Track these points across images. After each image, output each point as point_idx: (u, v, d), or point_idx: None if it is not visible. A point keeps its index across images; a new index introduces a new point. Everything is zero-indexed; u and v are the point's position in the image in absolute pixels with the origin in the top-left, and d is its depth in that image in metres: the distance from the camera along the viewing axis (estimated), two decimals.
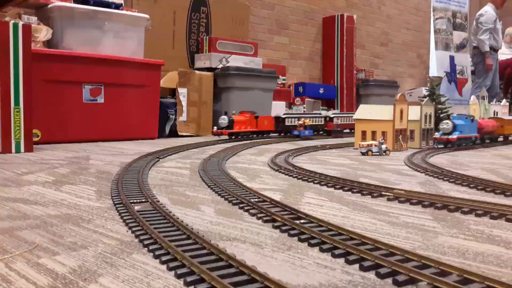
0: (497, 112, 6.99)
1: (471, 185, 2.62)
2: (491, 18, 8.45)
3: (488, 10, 8.51)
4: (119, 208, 1.96)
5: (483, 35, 8.38)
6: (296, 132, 5.93)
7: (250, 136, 5.76)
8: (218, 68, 6.68)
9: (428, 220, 1.89)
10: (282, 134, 6.27)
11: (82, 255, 1.41)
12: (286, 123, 6.18)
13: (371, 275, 1.27)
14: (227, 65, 6.71)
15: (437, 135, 4.78)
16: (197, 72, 6.46)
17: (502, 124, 5.88)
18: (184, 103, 6.20)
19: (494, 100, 7.37)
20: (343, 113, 7.40)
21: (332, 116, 7.09)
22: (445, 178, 2.87)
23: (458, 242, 1.58)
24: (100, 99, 5.26)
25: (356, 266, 1.33)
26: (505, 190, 2.41)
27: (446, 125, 4.76)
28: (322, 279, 1.24)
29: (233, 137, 5.47)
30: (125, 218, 1.81)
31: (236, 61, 6.84)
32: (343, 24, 9.09)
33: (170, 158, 3.80)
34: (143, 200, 2.12)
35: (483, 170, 3.35)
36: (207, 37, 6.92)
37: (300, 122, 6.05)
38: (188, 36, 6.92)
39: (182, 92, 6.20)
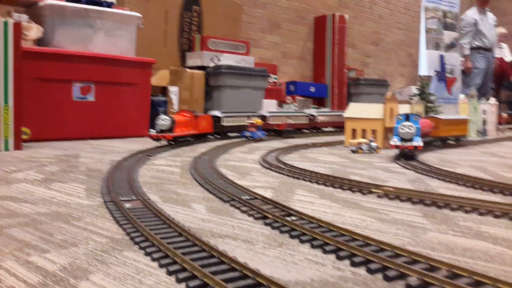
0: (485, 111, 7.06)
1: (460, 183, 2.65)
2: (470, 21, 8.59)
3: (468, 14, 8.66)
4: (109, 206, 1.96)
5: (463, 39, 8.55)
6: (248, 134, 5.23)
7: (189, 140, 4.90)
8: (210, 67, 6.67)
9: (417, 216, 1.91)
10: (219, 136, 5.50)
11: (73, 253, 1.40)
12: (224, 123, 5.50)
13: (361, 270, 1.28)
14: (219, 63, 6.71)
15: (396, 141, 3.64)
16: (188, 70, 6.45)
17: (437, 124, 4.81)
18: (175, 101, 6.19)
19: (484, 99, 7.44)
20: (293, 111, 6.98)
21: (316, 114, 6.81)
22: (434, 176, 2.89)
23: (447, 238, 1.60)
24: (91, 97, 5.23)
25: (347, 262, 1.34)
26: (492, 187, 2.44)
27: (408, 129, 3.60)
28: (313, 275, 1.25)
29: (172, 143, 4.52)
30: (115, 215, 1.81)
31: (228, 59, 6.83)
32: (334, 23, 9.12)
33: (160, 156, 3.79)
34: (134, 198, 2.11)
35: (472, 167, 3.39)
36: (199, 35, 6.90)
37: (252, 121, 5.36)
38: (180, 35, 6.90)
39: (173, 90, 6.19)
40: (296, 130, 6.45)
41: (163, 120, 4.34)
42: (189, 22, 7.03)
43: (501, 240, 1.56)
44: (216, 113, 5.54)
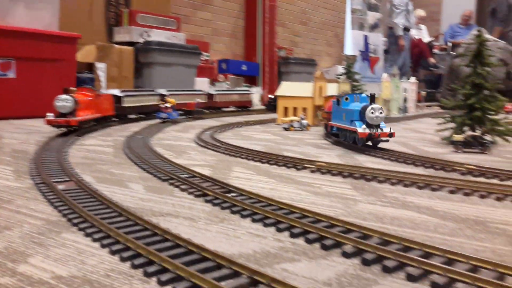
0: (406, 90, 7.49)
1: (385, 157, 2.82)
2: (404, 0, 8.91)
3: None
4: (41, 188, 1.88)
5: (398, 18, 8.83)
6: (163, 115, 4.72)
7: (93, 125, 4.07)
8: (139, 43, 6.47)
9: (348, 189, 2.02)
10: (120, 119, 4.79)
11: (7, 237, 1.35)
12: (124, 104, 4.74)
13: (300, 241, 1.35)
14: (149, 39, 6.51)
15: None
16: (116, 46, 6.21)
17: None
18: (102, 79, 5.95)
19: (405, 77, 7.87)
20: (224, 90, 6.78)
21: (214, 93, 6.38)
22: (360, 151, 3.06)
23: (376, 208, 1.72)
24: (11, 74, 4.89)
25: (287, 233, 1.41)
26: (415, 161, 2.63)
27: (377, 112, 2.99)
28: (255, 247, 1.30)
29: (76, 128, 3.62)
30: (49, 197, 1.75)
31: (158, 35, 6.65)
32: (265, 1, 9.15)
33: (90, 136, 3.66)
34: (67, 179, 2.04)
35: (395, 142, 3.60)
36: (127, 9, 6.64)
37: (165, 102, 4.88)
38: (107, 9, 6.60)
39: (101, 67, 5.94)
40: (200, 110, 5.80)
41: (64, 101, 3.51)
42: None
43: (424, 209, 1.70)
44: (116, 92, 4.75)
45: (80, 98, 3.67)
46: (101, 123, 4.26)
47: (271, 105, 7.12)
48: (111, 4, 6.65)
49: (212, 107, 6.24)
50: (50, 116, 3.50)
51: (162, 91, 5.55)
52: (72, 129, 3.58)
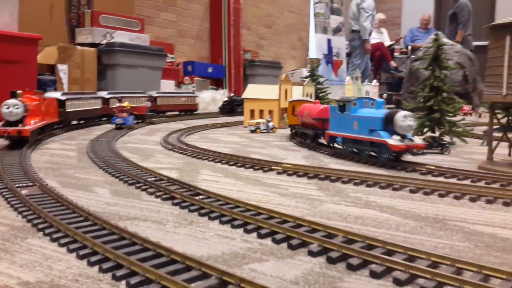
0: (368, 92, 7.67)
1: (348, 158, 2.89)
2: (372, 4, 9.08)
3: None
4: (4, 193, 1.84)
5: (366, 21, 8.95)
6: (119, 121, 4.29)
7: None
8: (102, 44, 6.36)
9: (313, 190, 2.07)
10: (63, 125, 4.29)
11: None
12: (67, 109, 4.25)
13: (268, 241, 1.38)
14: (112, 41, 6.41)
15: None
16: (78, 47, 6.08)
17: None
18: (65, 81, 5.82)
19: (367, 80, 8.06)
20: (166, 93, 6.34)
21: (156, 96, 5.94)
22: (325, 152, 3.12)
23: (341, 208, 1.77)
24: None
25: (254, 234, 1.44)
26: (376, 162, 2.71)
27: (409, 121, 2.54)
28: (224, 248, 1.32)
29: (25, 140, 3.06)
30: (12, 203, 1.71)
31: (121, 37, 6.56)
32: (230, 3, 9.17)
33: (53, 140, 3.59)
34: (30, 184, 2.00)
35: None
36: (89, 10, 6.52)
37: (120, 105, 4.42)
38: (68, 9, 6.45)
39: (63, 68, 5.81)
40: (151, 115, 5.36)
41: (14, 107, 2.99)
42: None
43: (386, 208, 1.77)
44: (57, 95, 4.19)
45: (29, 103, 3.16)
46: (44, 132, 3.63)
47: (225, 108, 6.89)
48: (72, 5, 6.51)
49: (154, 111, 5.73)
50: None
51: (104, 94, 5.19)
52: (20, 140, 3.01)
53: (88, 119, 4.82)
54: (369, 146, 2.73)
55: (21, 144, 2.98)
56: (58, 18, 6.37)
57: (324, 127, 3.17)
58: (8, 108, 3.00)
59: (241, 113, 6.78)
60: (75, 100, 4.42)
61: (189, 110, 6.67)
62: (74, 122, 4.62)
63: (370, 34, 9.34)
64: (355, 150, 2.89)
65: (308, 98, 4.62)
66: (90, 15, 6.47)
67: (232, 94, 7.73)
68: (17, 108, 3.02)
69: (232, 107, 6.94)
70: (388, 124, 2.56)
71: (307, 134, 3.50)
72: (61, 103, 4.13)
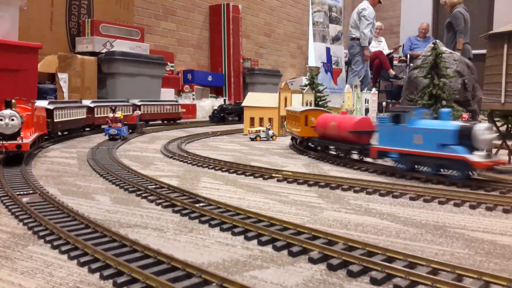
0: (368, 100, 7.70)
1: (348, 165, 2.90)
2: (372, 13, 9.12)
3: (369, 6, 9.13)
4: (5, 201, 1.84)
5: (367, 29, 8.99)
6: (113, 131, 4.04)
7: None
8: (102, 53, 6.39)
9: (313, 197, 2.07)
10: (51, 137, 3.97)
11: None
12: (55, 119, 3.92)
13: (268, 248, 1.38)
14: (112, 49, 6.45)
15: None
16: (79, 56, 6.11)
17: None
18: (65, 89, 5.84)
19: (366, 88, 8.08)
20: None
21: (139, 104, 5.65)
22: (325, 160, 3.13)
23: (341, 215, 1.78)
24: None
25: (255, 241, 1.44)
26: (376, 169, 2.72)
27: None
28: (224, 256, 1.33)
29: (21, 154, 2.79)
30: (13, 210, 1.71)
31: (121, 46, 6.59)
32: (229, 13, 9.23)
33: (53, 148, 3.59)
34: (31, 191, 2.01)
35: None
36: (89, 19, 6.56)
37: (114, 115, 4.12)
38: (68, 18, 6.50)
39: (63, 77, 5.83)
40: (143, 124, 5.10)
41: (11, 118, 2.66)
42: (77, 5, 6.64)
43: (386, 215, 1.77)
44: (45, 104, 3.89)
45: (23, 113, 2.89)
46: (34, 144, 3.13)
47: (216, 117, 6.65)
48: (72, 14, 6.55)
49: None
50: None
51: (88, 102, 4.94)
52: (17, 155, 2.73)
53: (74, 130, 4.52)
54: (436, 163, 2.41)
55: (18, 159, 2.73)
56: (58, 27, 6.40)
57: (362, 140, 2.88)
58: (2, 119, 2.64)
59: (233, 122, 6.62)
60: (62, 109, 4.10)
61: (172, 119, 6.39)
62: (60, 133, 4.28)
63: (370, 43, 9.38)
64: (416, 167, 2.56)
65: (322, 108, 4.40)
66: (90, 24, 6.51)
67: (222, 101, 7.31)
68: (14, 120, 2.66)
69: (223, 116, 6.66)
70: (463, 138, 2.25)
71: (336, 148, 3.15)
72: (49, 113, 3.81)
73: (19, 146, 2.62)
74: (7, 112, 2.66)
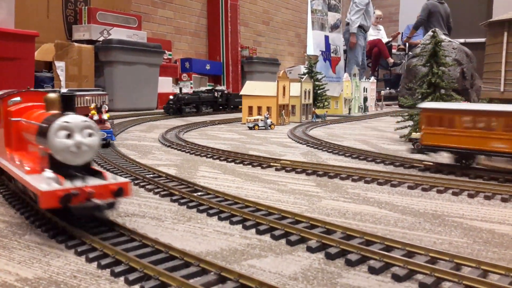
0: (366, 89, 7.68)
1: (346, 154, 2.90)
2: (365, 0, 9.08)
3: None
4: (1, 191, 1.83)
5: (355, 15, 8.98)
6: (102, 135, 2.93)
7: None
8: (99, 41, 6.34)
9: (312, 186, 2.07)
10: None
11: None
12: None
13: (266, 237, 1.38)
14: (109, 37, 6.39)
15: None
16: (76, 44, 6.06)
17: None
18: (62, 78, 5.80)
19: (364, 77, 8.05)
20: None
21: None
22: (324, 149, 3.13)
23: (339, 204, 1.78)
24: None
25: (253, 230, 1.44)
26: (375, 158, 2.71)
27: None
28: (222, 244, 1.32)
29: None
30: (10, 200, 1.70)
31: (118, 33, 6.54)
32: (227, 0, 9.15)
33: None
34: None
35: (356, 140, 3.71)
36: (86, 7, 6.49)
37: (100, 116, 3.18)
38: (65, 6, 6.43)
39: (60, 65, 5.79)
40: None
41: (88, 134, 1.45)
42: None
43: (384, 204, 1.77)
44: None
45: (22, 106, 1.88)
46: None
47: (171, 108, 5.87)
48: (69, 2, 6.48)
49: None
50: None
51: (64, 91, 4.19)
52: None
53: None
54: None
55: None
56: (55, 15, 6.34)
57: None
58: (71, 135, 1.42)
59: (190, 114, 5.75)
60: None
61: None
62: None
63: (366, 31, 9.35)
64: None
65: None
66: (87, 12, 6.44)
67: (178, 91, 6.22)
68: (92, 137, 1.46)
69: (179, 107, 5.90)
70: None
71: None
72: None
73: (120, 191, 1.41)
74: (78, 121, 1.45)
